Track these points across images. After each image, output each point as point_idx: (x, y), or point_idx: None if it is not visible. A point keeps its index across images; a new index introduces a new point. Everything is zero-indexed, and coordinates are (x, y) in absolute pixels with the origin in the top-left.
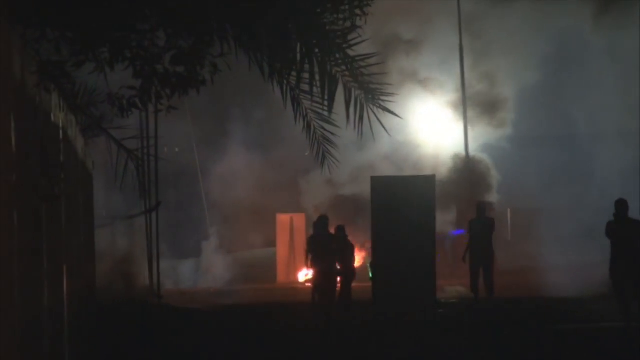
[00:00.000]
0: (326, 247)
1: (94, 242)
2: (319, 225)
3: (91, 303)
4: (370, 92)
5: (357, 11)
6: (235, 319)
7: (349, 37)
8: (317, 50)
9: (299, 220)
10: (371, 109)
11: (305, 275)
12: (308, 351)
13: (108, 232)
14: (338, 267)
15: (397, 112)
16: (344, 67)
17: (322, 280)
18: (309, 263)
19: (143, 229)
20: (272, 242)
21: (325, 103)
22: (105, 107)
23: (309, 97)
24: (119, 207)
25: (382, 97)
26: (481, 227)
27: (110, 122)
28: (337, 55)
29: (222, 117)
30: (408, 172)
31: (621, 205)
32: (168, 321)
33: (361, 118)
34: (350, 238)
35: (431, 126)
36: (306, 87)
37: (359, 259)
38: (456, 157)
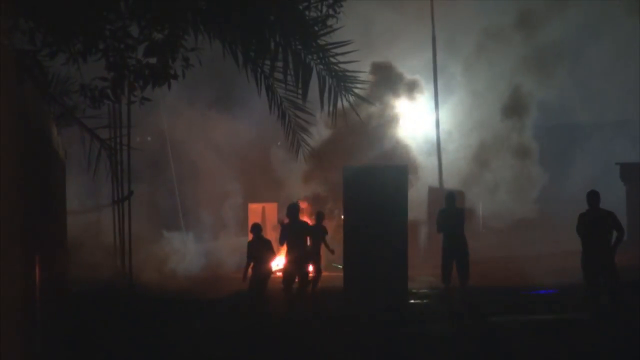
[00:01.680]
0: (299, 236)
1: (66, 231)
2: (293, 212)
3: (64, 291)
4: (344, 80)
5: (330, 11)
6: (205, 308)
7: (326, 25)
8: (292, 39)
9: (271, 209)
10: (345, 96)
11: (276, 265)
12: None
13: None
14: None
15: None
16: (318, 56)
17: (294, 268)
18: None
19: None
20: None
21: (300, 91)
22: (78, 97)
23: (283, 85)
24: (92, 196)
25: (356, 85)
26: (451, 217)
27: (83, 112)
28: (313, 44)
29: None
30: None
31: (593, 197)
32: (139, 309)
33: (335, 106)
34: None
35: (405, 115)
36: (280, 75)
37: None
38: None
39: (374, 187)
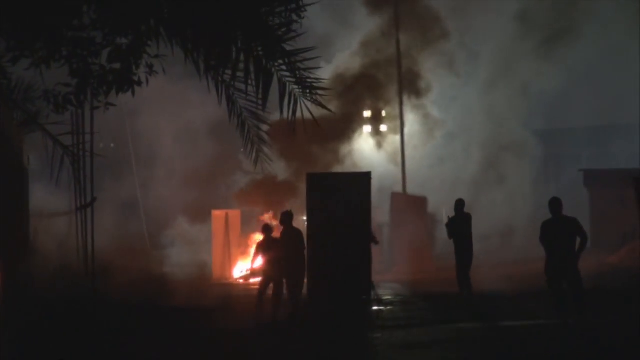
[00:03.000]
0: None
1: (29, 238)
2: (288, 220)
3: (26, 298)
4: (306, 87)
5: (294, 16)
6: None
7: (288, 30)
8: (254, 44)
9: (235, 216)
10: (304, 103)
11: (240, 272)
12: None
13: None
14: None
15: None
16: (281, 62)
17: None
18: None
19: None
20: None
21: (260, 99)
22: (42, 103)
23: (244, 95)
24: (55, 203)
25: (317, 92)
26: (461, 223)
27: (46, 118)
28: (275, 49)
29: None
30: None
31: (554, 204)
32: (100, 317)
33: (294, 112)
34: None
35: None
36: (241, 85)
37: None
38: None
39: (337, 193)
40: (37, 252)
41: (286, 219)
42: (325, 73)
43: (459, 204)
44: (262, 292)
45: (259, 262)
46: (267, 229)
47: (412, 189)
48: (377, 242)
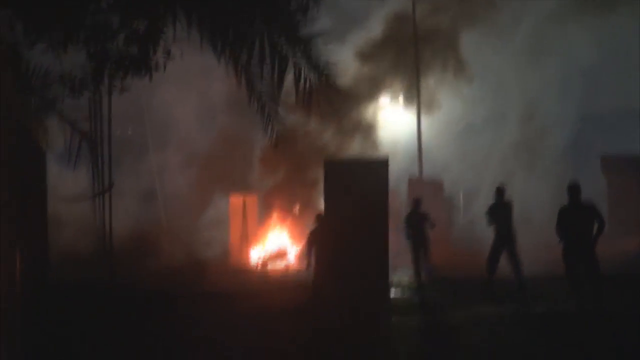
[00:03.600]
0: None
1: (47, 224)
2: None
3: (44, 285)
4: (320, 72)
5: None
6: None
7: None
8: (272, 28)
9: (251, 202)
10: (320, 88)
11: (258, 257)
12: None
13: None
14: None
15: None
16: (299, 48)
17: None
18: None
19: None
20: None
21: (275, 83)
22: (58, 88)
23: (262, 79)
24: (73, 188)
25: (332, 76)
26: (501, 210)
27: (62, 103)
28: (294, 34)
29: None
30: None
31: (573, 190)
32: (120, 303)
33: (310, 97)
34: None
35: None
36: (258, 70)
37: None
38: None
39: (354, 180)
40: (55, 237)
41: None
42: (345, 51)
43: (500, 191)
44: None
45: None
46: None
47: (435, 171)
48: (433, 225)
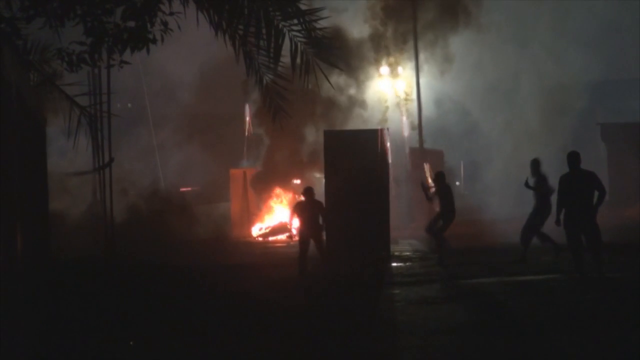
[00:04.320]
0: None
1: (47, 199)
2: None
3: (45, 260)
4: (317, 46)
5: None
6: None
7: None
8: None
9: (252, 175)
10: (317, 62)
11: (259, 229)
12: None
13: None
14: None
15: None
16: (295, 21)
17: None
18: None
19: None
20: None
21: (272, 57)
22: (57, 63)
23: (261, 52)
24: (73, 164)
25: (328, 50)
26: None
27: (61, 78)
28: (289, 10)
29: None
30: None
31: (573, 158)
32: (123, 278)
33: (307, 71)
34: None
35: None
36: (254, 42)
37: None
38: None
39: (354, 150)
40: (56, 211)
41: (308, 193)
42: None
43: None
44: (304, 252)
45: (296, 222)
46: (308, 192)
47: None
48: (428, 198)
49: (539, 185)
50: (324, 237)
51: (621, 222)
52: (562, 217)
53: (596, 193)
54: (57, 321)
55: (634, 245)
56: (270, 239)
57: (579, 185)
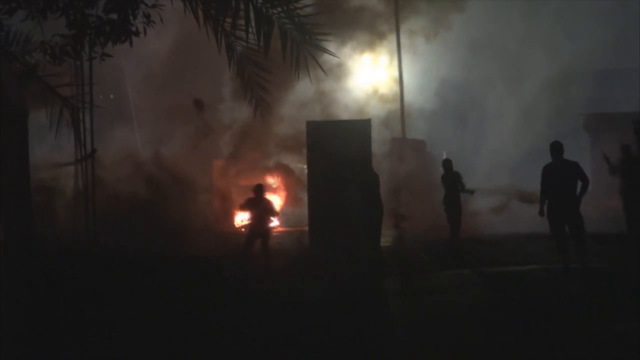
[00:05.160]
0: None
1: (29, 189)
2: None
3: (29, 251)
4: (306, 33)
5: None
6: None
7: None
8: None
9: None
10: (307, 49)
11: (241, 220)
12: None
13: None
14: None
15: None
16: (282, 8)
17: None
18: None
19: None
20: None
21: (261, 47)
22: (39, 54)
23: (244, 43)
24: (56, 156)
25: (318, 37)
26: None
27: (43, 70)
28: None
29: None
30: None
31: (556, 147)
32: (105, 267)
33: (297, 60)
34: None
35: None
36: (241, 34)
37: None
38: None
39: (338, 141)
40: (38, 204)
41: (258, 191)
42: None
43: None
44: (249, 246)
45: (244, 215)
46: (258, 189)
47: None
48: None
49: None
50: (270, 238)
51: (604, 212)
52: (545, 207)
53: (580, 183)
54: (41, 310)
55: (617, 235)
56: None
57: (562, 175)
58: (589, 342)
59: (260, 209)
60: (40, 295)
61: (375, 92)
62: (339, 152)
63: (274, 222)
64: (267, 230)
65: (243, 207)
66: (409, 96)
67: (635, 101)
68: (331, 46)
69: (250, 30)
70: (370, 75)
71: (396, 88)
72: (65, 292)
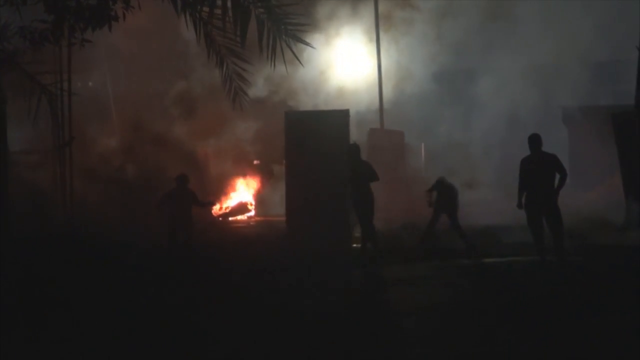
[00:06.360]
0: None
1: (7, 175)
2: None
3: (7, 237)
4: (283, 23)
5: None
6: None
7: None
8: None
9: (213, 155)
10: (284, 40)
11: (219, 209)
12: None
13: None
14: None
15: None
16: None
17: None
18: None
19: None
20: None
21: (238, 37)
22: (18, 40)
23: (222, 32)
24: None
25: (295, 27)
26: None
27: (23, 57)
28: None
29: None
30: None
31: (534, 140)
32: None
33: (274, 50)
34: None
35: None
36: (220, 23)
37: None
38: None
39: (315, 131)
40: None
41: (181, 181)
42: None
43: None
44: (174, 237)
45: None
46: (181, 179)
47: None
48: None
49: None
50: (193, 230)
51: (582, 205)
52: (523, 200)
53: (558, 176)
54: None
55: (593, 228)
56: (230, 219)
57: (540, 167)
58: (565, 335)
59: (184, 199)
60: (20, 281)
61: (355, 82)
62: (316, 143)
63: (251, 212)
64: (190, 221)
65: (161, 204)
66: (388, 86)
67: (617, 95)
68: (317, 38)
69: (227, 19)
70: (349, 66)
71: (375, 78)
72: (44, 277)
